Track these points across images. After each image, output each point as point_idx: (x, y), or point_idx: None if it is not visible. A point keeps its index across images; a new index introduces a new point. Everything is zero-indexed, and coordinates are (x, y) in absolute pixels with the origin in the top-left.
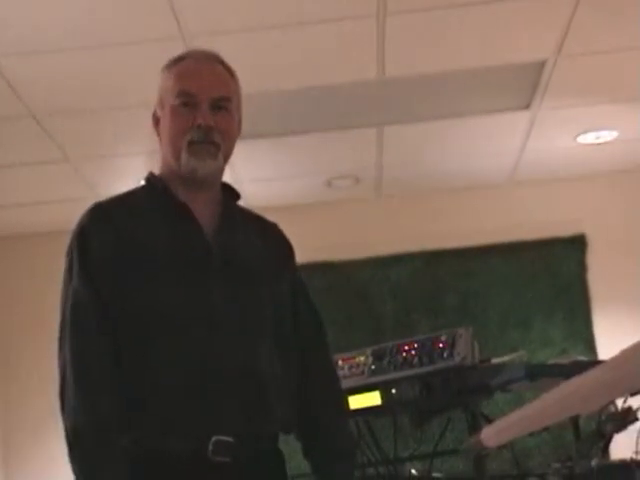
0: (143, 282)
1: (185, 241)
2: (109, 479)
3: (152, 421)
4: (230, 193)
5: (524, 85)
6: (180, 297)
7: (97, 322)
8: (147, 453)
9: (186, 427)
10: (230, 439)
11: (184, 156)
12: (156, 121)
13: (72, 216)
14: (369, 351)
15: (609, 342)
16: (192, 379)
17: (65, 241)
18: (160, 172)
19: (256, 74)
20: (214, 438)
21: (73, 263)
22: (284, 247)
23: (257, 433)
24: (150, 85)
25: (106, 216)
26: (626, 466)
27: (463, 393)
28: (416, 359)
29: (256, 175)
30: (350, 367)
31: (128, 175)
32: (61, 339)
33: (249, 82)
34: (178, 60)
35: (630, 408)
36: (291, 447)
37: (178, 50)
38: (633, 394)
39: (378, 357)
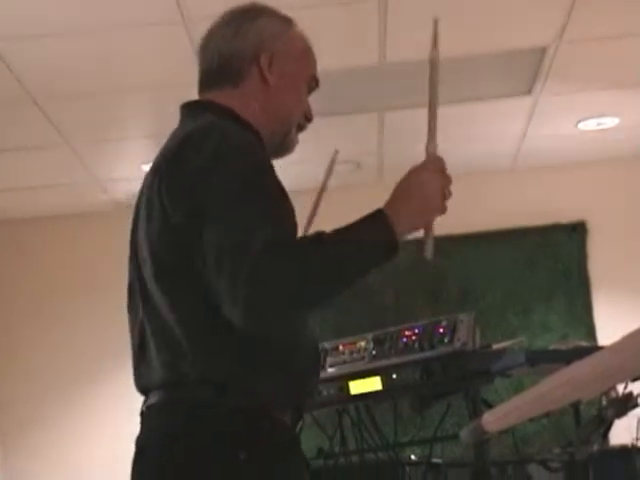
0: None
1: None
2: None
3: (279, 386)
4: None
5: (526, 71)
6: None
7: None
8: (258, 418)
9: (298, 398)
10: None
11: (293, 132)
12: (270, 58)
13: (72, 200)
14: (370, 336)
15: (609, 328)
16: (315, 352)
17: (64, 226)
18: (250, 120)
19: None
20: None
21: (265, 169)
22: None
23: None
24: (150, 69)
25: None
26: (626, 452)
27: (464, 378)
28: (417, 344)
29: None
30: (351, 352)
31: (128, 159)
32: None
33: None
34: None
35: (631, 393)
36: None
37: (179, 34)
38: (634, 380)
39: (379, 342)
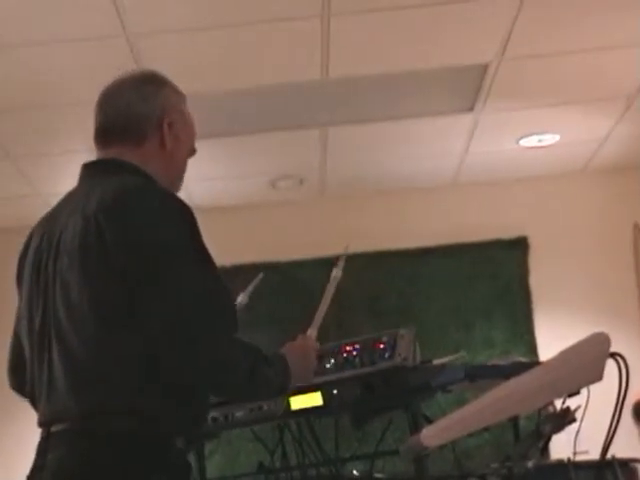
0: None
1: None
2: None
3: (186, 417)
4: None
5: (467, 87)
6: None
7: None
8: (160, 443)
9: (194, 428)
10: None
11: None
12: (169, 125)
13: (13, 213)
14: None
15: (550, 344)
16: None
17: (6, 239)
18: (154, 178)
19: (198, 74)
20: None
21: (201, 242)
22: None
23: None
24: (91, 83)
25: None
26: (563, 466)
27: (404, 393)
28: (357, 360)
29: (201, 175)
30: None
31: (69, 173)
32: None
33: (192, 82)
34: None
35: (568, 409)
36: None
37: (121, 48)
38: (571, 395)
39: (320, 358)
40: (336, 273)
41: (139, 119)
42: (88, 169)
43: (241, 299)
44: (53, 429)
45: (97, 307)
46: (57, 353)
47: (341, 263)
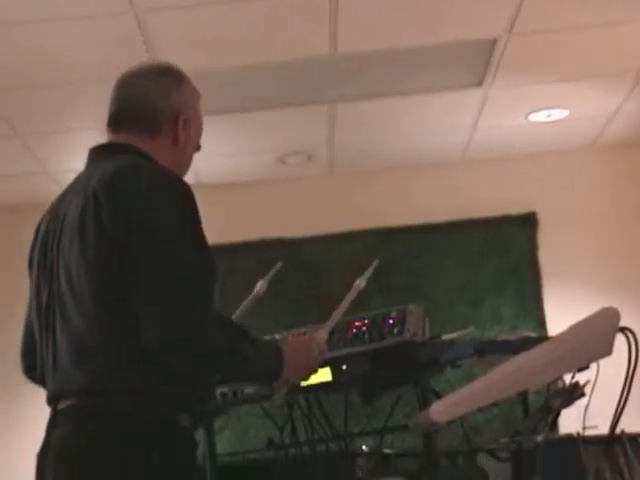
0: None
1: None
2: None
3: (190, 395)
4: None
5: (476, 62)
6: None
7: None
8: (163, 423)
9: (197, 406)
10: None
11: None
12: (184, 123)
13: (22, 191)
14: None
15: (559, 319)
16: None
17: (15, 216)
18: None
19: (206, 50)
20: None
21: (198, 223)
22: None
23: None
24: (100, 60)
25: None
26: (572, 441)
27: (413, 369)
28: (366, 335)
29: (209, 152)
30: None
31: (77, 150)
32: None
33: (201, 58)
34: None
35: (577, 383)
36: None
37: (129, 25)
38: (580, 370)
39: (329, 333)
40: (360, 282)
41: (155, 110)
42: (96, 151)
43: (259, 286)
44: (59, 407)
45: (95, 286)
46: (61, 331)
47: (367, 274)
